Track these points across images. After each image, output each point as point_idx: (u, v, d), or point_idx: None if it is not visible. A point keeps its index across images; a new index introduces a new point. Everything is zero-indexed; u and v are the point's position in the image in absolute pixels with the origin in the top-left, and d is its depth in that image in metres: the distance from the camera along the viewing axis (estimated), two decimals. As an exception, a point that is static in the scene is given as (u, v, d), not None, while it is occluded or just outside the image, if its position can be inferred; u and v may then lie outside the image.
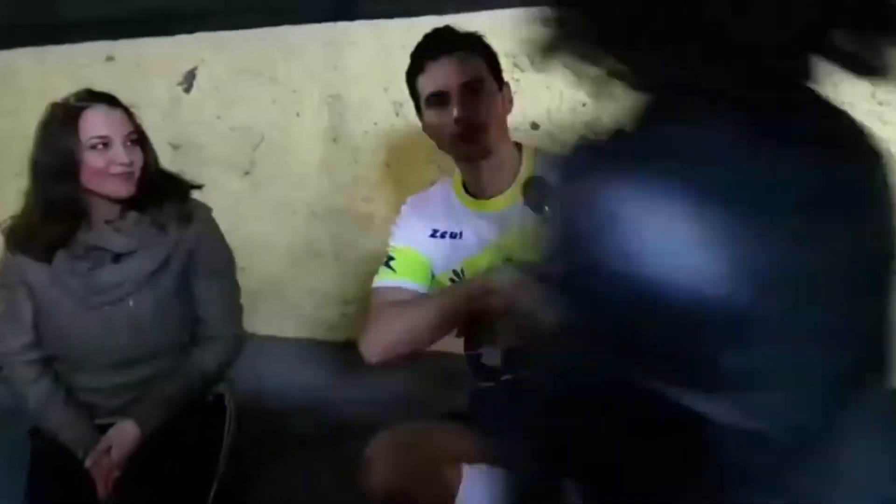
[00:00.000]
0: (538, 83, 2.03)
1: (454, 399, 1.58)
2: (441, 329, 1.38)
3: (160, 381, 1.62)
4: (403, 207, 1.56)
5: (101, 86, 1.70)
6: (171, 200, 1.64)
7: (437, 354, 2.21)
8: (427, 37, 1.44)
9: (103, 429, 1.61)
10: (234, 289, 1.72)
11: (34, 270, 1.60)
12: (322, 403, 2.05)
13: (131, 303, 1.59)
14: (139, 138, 1.59)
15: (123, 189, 1.56)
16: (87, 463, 1.53)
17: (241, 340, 1.71)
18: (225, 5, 2.46)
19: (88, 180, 1.54)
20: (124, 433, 1.56)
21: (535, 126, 2.07)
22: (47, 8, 2.78)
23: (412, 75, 1.44)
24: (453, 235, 1.48)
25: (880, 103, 1.74)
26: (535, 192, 1.30)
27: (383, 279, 1.48)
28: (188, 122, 2.53)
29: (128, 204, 1.60)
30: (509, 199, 1.45)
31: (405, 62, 2.19)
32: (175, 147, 2.54)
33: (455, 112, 1.36)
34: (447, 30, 1.44)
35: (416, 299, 1.44)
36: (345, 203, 2.33)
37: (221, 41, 2.46)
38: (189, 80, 2.52)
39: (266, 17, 2.38)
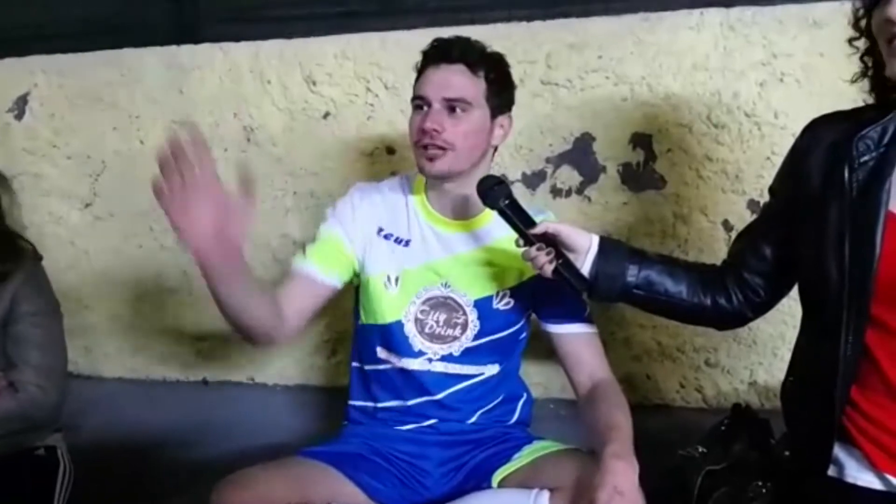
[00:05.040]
0: (393, 107, 2.02)
1: (311, 437, 1.55)
2: (229, 302, 1.23)
3: None
4: (352, 191, 1.49)
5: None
6: None
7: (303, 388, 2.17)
8: (437, 40, 1.41)
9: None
10: (51, 337, 1.61)
11: None
12: (173, 447, 1.95)
13: None
14: None
15: None
16: None
17: (50, 390, 1.57)
18: (58, 27, 2.31)
19: None
20: None
21: (390, 150, 2.05)
22: None
23: (418, 73, 1.42)
24: (399, 241, 1.45)
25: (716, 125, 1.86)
26: (490, 188, 1.29)
27: (296, 262, 1.44)
28: (21, 151, 2.35)
29: None
30: (468, 227, 1.44)
31: (254, 86, 2.16)
32: (7, 178, 2.35)
33: (424, 122, 1.34)
34: (459, 41, 1.39)
35: None
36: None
37: (55, 64, 2.30)
38: (20, 106, 2.34)
39: (103, 40, 2.25)
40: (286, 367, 2.18)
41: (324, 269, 1.42)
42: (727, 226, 1.86)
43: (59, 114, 2.31)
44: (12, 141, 2.35)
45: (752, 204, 1.84)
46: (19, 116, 2.35)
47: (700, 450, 1.32)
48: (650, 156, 1.90)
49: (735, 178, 1.85)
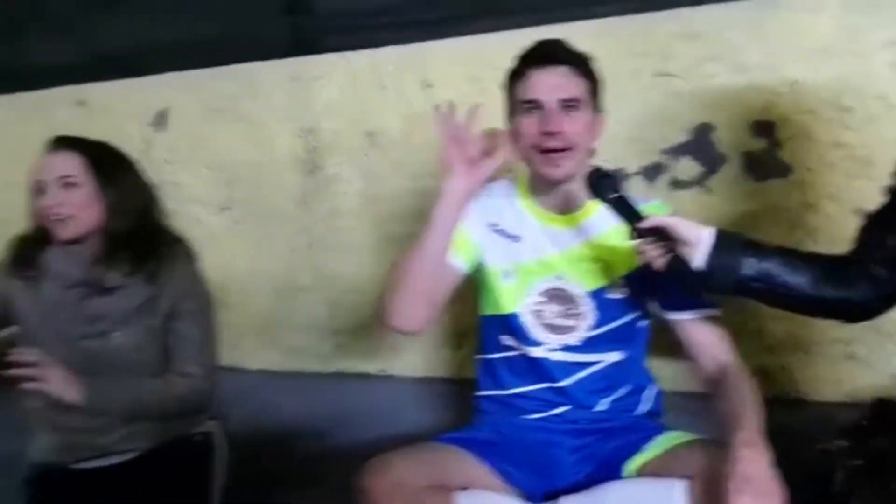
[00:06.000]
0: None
1: (439, 427, 1.59)
2: (433, 247, 1.40)
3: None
4: None
5: (73, 130, 1.72)
6: (157, 240, 1.69)
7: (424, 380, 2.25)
8: (538, 44, 1.42)
9: (90, 473, 1.63)
10: (208, 333, 1.73)
11: (21, 294, 1.64)
12: (310, 436, 2.05)
13: (118, 336, 1.62)
14: (84, 181, 1.61)
15: (59, 232, 1.60)
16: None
17: (207, 381, 1.70)
18: (191, 45, 2.48)
19: (40, 220, 1.62)
20: (64, 371, 1.50)
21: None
22: (17, 55, 2.79)
23: (513, 78, 1.42)
24: (510, 236, 1.48)
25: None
26: (598, 181, 1.31)
27: None
28: (163, 161, 2.54)
29: (116, 241, 1.63)
30: (574, 221, 1.46)
31: (373, 92, 2.25)
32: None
33: (545, 125, 1.36)
34: (558, 43, 1.41)
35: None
36: (324, 235, 2.34)
37: (190, 80, 2.48)
38: (160, 120, 2.53)
39: (232, 55, 2.40)
40: (415, 359, 2.27)
41: (457, 252, 1.46)
42: (858, 213, 1.80)
43: (194, 126, 2.49)
44: (154, 152, 2.55)
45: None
46: (160, 129, 2.54)
47: (840, 445, 1.30)
48: (773, 143, 1.86)
49: (865, 163, 1.79)
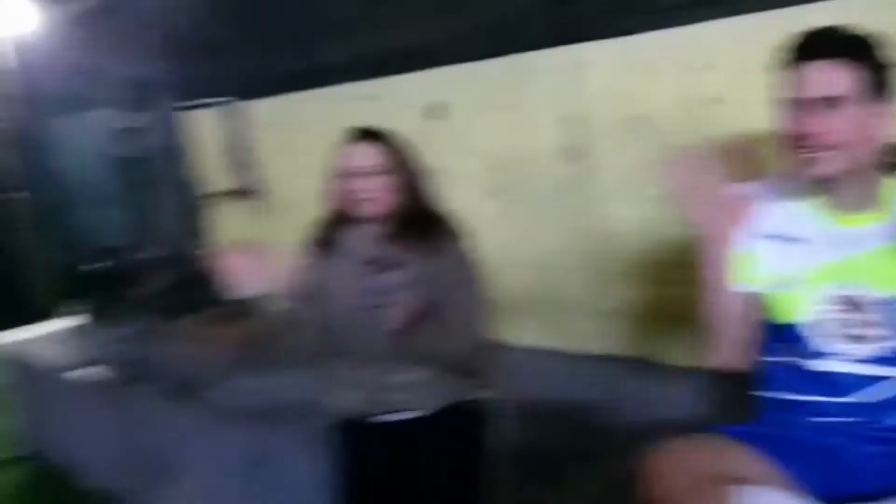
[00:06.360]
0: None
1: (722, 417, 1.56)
2: (714, 280, 1.40)
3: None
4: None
5: (364, 122, 1.94)
6: (434, 221, 1.89)
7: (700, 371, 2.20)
8: (806, 34, 1.32)
9: (380, 426, 1.85)
10: (477, 303, 1.88)
11: (324, 270, 1.92)
12: (574, 413, 2.11)
13: (404, 307, 1.81)
14: (386, 169, 1.83)
15: (367, 211, 1.84)
16: None
17: (478, 348, 1.86)
18: (465, 38, 2.64)
19: (343, 202, 1.85)
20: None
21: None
22: (314, 56, 3.18)
23: (785, 69, 1.34)
24: (790, 240, 1.41)
25: None
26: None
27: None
28: (438, 149, 2.73)
29: (402, 221, 1.85)
30: (866, 219, 1.36)
31: (642, 77, 2.24)
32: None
33: (797, 126, 1.30)
34: (827, 32, 1.30)
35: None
36: (591, 219, 2.40)
37: (465, 72, 2.64)
38: (437, 110, 2.74)
39: (502, 45, 2.52)
40: (680, 348, 2.25)
41: (743, 278, 1.43)
42: None
43: (468, 115, 2.66)
44: (431, 140, 2.75)
45: None
46: (438, 119, 2.74)
47: None
48: None
49: None
